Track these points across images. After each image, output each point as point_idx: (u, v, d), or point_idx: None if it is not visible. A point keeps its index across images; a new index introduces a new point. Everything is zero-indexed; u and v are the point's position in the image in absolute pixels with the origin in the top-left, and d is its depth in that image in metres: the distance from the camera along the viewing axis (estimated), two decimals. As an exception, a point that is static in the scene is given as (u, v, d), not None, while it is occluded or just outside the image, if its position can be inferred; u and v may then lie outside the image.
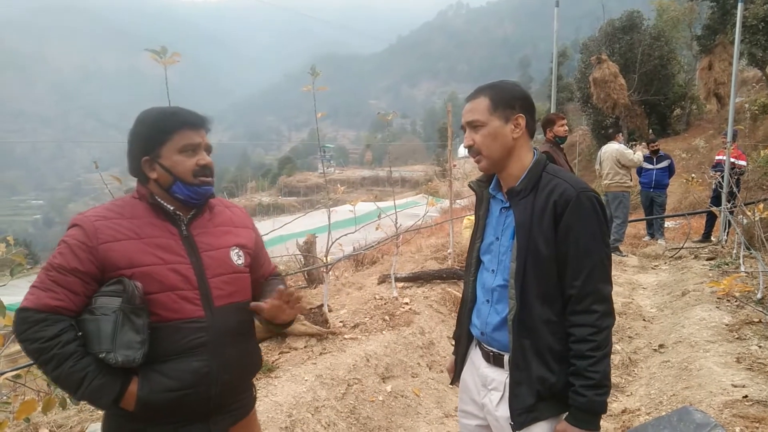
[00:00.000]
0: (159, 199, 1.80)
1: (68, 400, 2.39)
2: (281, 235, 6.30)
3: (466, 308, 2.11)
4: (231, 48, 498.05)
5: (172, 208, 1.81)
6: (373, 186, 56.16)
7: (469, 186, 2.18)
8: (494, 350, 1.97)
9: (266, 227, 4.92)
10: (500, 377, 1.94)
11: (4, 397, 3.74)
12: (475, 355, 2.09)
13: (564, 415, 1.85)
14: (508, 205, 1.94)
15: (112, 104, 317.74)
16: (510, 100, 1.87)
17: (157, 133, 1.78)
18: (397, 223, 5.54)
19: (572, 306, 1.80)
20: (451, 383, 2.25)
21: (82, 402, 3.52)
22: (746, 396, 3.60)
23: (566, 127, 6.08)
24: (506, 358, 1.92)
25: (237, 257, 1.90)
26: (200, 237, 1.84)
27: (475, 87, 1.97)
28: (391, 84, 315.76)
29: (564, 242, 1.79)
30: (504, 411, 1.91)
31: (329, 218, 4.56)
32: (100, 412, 3.35)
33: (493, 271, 1.96)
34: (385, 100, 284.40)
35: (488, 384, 1.99)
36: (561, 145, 5.99)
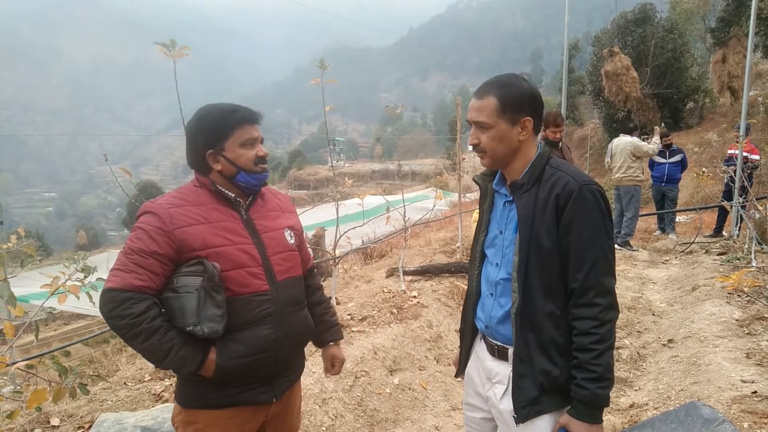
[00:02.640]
0: (221, 188, 2.00)
1: (78, 390, 2.41)
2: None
3: (470, 302, 2.12)
4: (243, 40, 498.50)
5: (233, 195, 2.01)
6: (382, 179, 56.19)
7: (474, 180, 2.18)
8: (498, 343, 1.98)
9: None
10: (504, 371, 1.95)
11: (17, 387, 3.80)
12: (480, 349, 2.10)
13: (567, 408, 1.85)
14: (511, 198, 1.94)
15: (123, 97, 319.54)
16: (518, 102, 1.84)
17: (221, 129, 1.97)
18: (405, 216, 5.54)
19: (575, 299, 1.80)
20: (456, 376, 2.27)
21: (91, 393, 3.58)
22: (755, 392, 3.58)
23: (560, 135, 5.90)
24: (510, 351, 1.92)
25: (290, 237, 2.15)
26: (258, 220, 2.06)
27: (485, 80, 1.95)
28: (402, 77, 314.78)
29: (566, 235, 1.79)
30: (508, 404, 1.91)
31: (337, 212, 4.57)
32: (110, 403, 3.40)
33: (497, 264, 1.97)
34: (395, 93, 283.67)
35: (493, 377, 2.00)
36: (559, 145, 5.86)
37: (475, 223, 2.18)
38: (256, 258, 1.98)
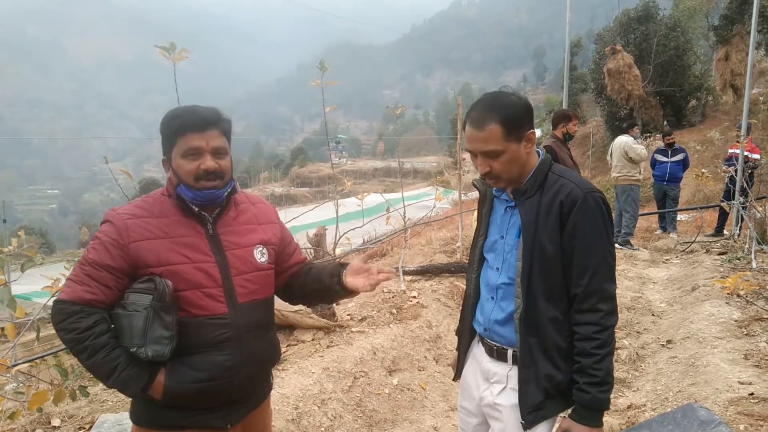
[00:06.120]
0: (185, 199, 1.86)
1: (78, 392, 2.44)
2: (294, 226, 6.35)
3: (469, 304, 2.14)
4: (246, 37, 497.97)
5: (197, 209, 1.87)
6: (385, 177, 56.13)
7: (473, 184, 2.19)
8: (498, 344, 2.00)
9: (281, 217, 4.96)
10: (503, 370, 1.98)
11: (20, 386, 3.83)
12: (477, 351, 2.12)
13: (568, 411, 1.90)
14: (513, 204, 1.96)
15: (127, 94, 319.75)
16: (520, 119, 1.85)
17: (166, 137, 1.86)
18: (405, 216, 5.56)
19: (577, 304, 1.84)
20: (454, 379, 2.28)
21: (92, 394, 3.61)
22: (752, 393, 3.59)
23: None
24: (510, 352, 1.96)
25: (260, 255, 1.97)
26: (226, 236, 1.91)
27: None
28: (405, 74, 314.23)
29: (570, 241, 1.83)
30: (504, 399, 1.95)
31: (337, 211, 4.59)
32: (110, 403, 3.43)
33: (497, 269, 1.99)
34: (398, 90, 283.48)
35: (490, 377, 2.02)
36: (567, 142, 5.91)
37: (476, 223, 2.18)
38: (216, 278, 1.85)
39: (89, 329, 1.72)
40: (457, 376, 2.24)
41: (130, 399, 1.93)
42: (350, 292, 2.06)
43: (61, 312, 1.74)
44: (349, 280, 2.02)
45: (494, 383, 2.01)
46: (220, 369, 1.83)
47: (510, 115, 1.83)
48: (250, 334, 1.91)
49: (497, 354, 2.00)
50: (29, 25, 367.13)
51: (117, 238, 1.77)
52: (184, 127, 1.82)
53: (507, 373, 1.97)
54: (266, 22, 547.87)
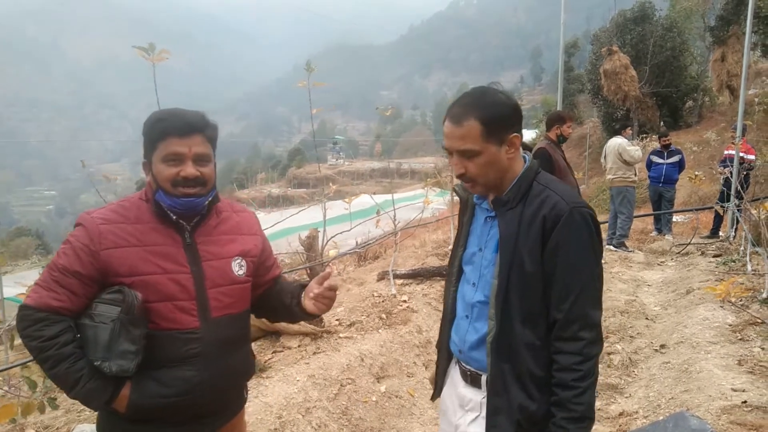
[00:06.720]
0: (163, 206, 1.78)
1: (47, 405, 2.37)
2: (289, 227, 6.27)
3: (447, 320, 1.98)
4: (244, 37, 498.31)
5: (175, 216, 1.79)
6: (382, 178, 56.15)
7: (454, 190, 2.02)
8: (472, 369, 1.85)
9: (275, 218, 4.90)
10: (477, 397, 1.83)
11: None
12: (454, 373, 1.97)
13: None
14: (493, 214, 1.79)
15: (126, 94, 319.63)
16: (503, 120, 1.69)
17: (148, 140, 1.77)
18: (395, 220, 5.49)
19: (558, 331, 1.66)
20: (432, 399, 2.13)
21: (69, 404, 3.53)
22: (745, 401, 3.52)
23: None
24: (484, 378, 1.79)
25: (238, 267, 1.89)
26: (204, 245, 1.83)
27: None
28: (403, 75, 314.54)
29: (551, 261, 1.65)
30: (477, 429, 1.80)
31: (324, 215, 4.52)
32: (87, 413, 3.35)
33: (474, 284, 1.83)
34: (396, 91, 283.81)
35: (465, 404, 1.88)
36: (561, 144, 5.86)
37: None
38: (190, 290, 1.77)
39: (54, 338, 1.65)
40: (436, 395, 2.08)
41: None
42: (309, 315, 1.99)
43: (25, 318, 1.68)
44: (307, 303, 1.95)
45: (468, 411, 1.86)
46: (188, 384, 1.76)
47: (493, 113, 1.67)
48: (222, 349, 1.83)
49: (471, 379, 1.85)
50: (29, 25, 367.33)
51: (88, 243, 1.69)
52: (167, 132, 1.74)
53: (481, 401, 1.80)
54: (265, 22, 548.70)
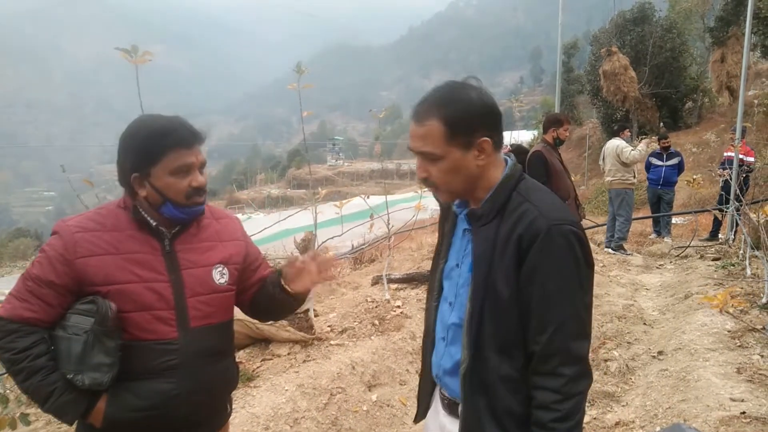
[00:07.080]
0: (144, 213, 1.73)
1: (19, 421, 2.28)
2: (287, 228, 6.19)
3: (429, 340, 1.79)
4: (244, 37, 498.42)
5: (155, 223, 1.74)
6: (381, 179, 56.03)
7: (435, 197, 1.74)
8: (449, 397, 1.68)
9: (274, 219, 4.81)
10: (455, 428, 1.64)
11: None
12: (436, 398, 1.79)
13: None
14: (470, 228, 1.60)
15: (123, 94, 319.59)
16: (470, 121, 1.47)
17: (148, 152, 1.68)
18: (389, 224, 5.40)
19: (535, 365, 1.47)
20: (415, 421, 1.92)
21: (48, 417, 3.44)
22: (744, 412, 3.44)
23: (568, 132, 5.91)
24: (460, 408, 1.61)
25: (220, 276, 1.83)
26: (183, 253, 1.78)
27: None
28: (402, 75, 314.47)
29: (528, 286, 1.45)
30: None
31: (315, 219, 4.44)
32: (67, 427, 3.26)
33: (450, 303, 1.65)
34: (396, 92, 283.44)
35: None
36: (558, 147, 5.77)
37: None
38: (168, 299, 1.71)
39: (26, 350, 1.61)
40: (419, 417, 1.89)
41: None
42: (297, 295, 1.92)
43: None
44: (291, 285, 1.88)
45: None
46: (165, 397, 1.70)
47: (458, 113, 1.46)
48: (202, 361, 1.77)
49: (449, 407, 1.68)
50: (27, 26, 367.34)
51: (63, 252, 1.64)
52: (175, 143, 1.68)
53: None
54: (265, 23, 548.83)
